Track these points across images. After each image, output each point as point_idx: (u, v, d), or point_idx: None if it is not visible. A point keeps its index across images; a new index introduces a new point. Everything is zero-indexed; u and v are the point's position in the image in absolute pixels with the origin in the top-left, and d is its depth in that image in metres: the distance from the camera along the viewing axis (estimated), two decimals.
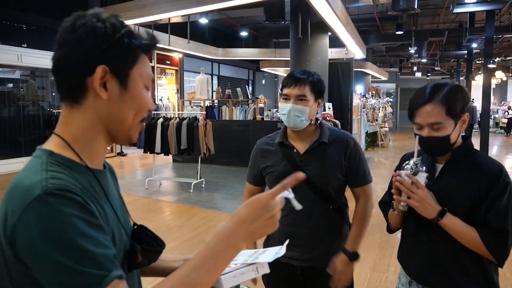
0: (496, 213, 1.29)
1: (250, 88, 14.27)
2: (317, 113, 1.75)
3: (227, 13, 11.22)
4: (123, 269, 0.70)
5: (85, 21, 0.76)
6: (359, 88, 14.71)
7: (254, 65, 17.77)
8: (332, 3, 5.56)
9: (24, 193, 0.67)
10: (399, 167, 1.58)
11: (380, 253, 4.03)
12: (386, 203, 1.58)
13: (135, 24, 6.72)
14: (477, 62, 17.77)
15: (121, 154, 10.82)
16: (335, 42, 8.93)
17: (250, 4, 7.40)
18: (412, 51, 13.65)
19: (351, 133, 8.00)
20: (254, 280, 0.91)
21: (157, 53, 12.31)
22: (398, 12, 8.42)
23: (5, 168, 7.96)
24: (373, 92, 15.96)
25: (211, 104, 10.40)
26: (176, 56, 13.16)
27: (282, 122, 1.73)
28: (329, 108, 7.45)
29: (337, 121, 6.93)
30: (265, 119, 9.31)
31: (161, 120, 6.84)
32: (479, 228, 1.31)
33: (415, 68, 18.71)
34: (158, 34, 8.44)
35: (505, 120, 18.89)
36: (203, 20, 10.31)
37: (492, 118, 18.60)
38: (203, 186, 7.02)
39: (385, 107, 15.79)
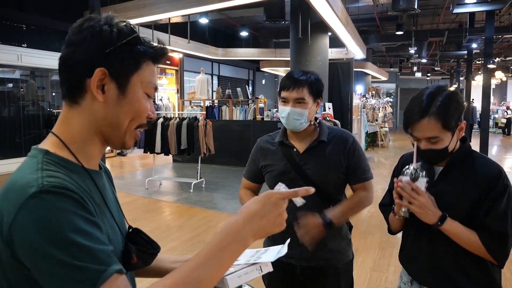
0: (495, 216, 1.30)
1: (250, 88, 14.27)
2: (316, 112, 1.75)
3: (227, 13, 11.22)
4: None
5: (93, 23, 0.77)
6: (359, 88, 14.71)
7: (254, 65, 17.77)
8: (332, 3, 5.56)
9: (20, 191, 0.67)
10: (398, 167, 1.59)
11: (380, 253, 4.02)
12: (386, 206, 1.59)
13: (135, 24, 6.72)
14: (477, 62, 17.76)
15: (121, 154, 10.82)
16: (335, 42, 8.93)
17: (250, 4, 7.40)
18: (412, 51, 13.65)
19: (351, 133, 7.99)
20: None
21: None
22: (398, 12, 8.41)
23: (5, 168, 7.95)
24: (373, 92, 15.97)
25: (211, 104, 10.40)
26: (176, 56, 13.15)
27: None
28: (329, 108, 7.45)
29: (337, 121, 6.93)
30: (265, 119, 9.32)
31: (161, 120, 6.84)
32: (478, 231, 1.32)
33: (415, 68, 18.70)
34: (158, 34, 8.45)
35: (504, 120, 18.91)
36: (203, 20, 10.31)
37: (492, 118, 18.62)
38: (203, 186, 7.02)
39: (385, 107, 15.81)
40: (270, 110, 9.78)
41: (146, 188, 6.94)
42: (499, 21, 12.65)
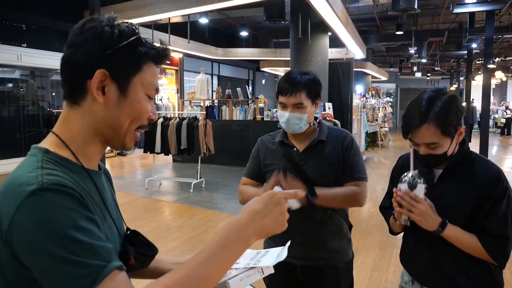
0: (495, 219, 1.30)
1: (250, 88, 14.27)
2: (316, 112, 1.75)
3: (227, 13, 11.22)
4: None
5: (95, 24, 0.77)
6: (359, 88, 14.72)
7: (254, 65, 17.77)
8: (332, 3, 5.56)
9: (20, 189, 0.67)
10: (397, 168, 1.60)
11: (380, 253, 4.02)
12: (386, 208, 1.59)
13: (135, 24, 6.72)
14: (477, 62, 17.76)
15: (121, 154, 10.82)
16: (335, 42, 8.93)
17: (250, 4, 7.39)
18: (412, 51, 13.65)
19: (351, 133, 7.99)
20: None
21: None
22: (398, 12, 8.41)
23: (5, 168, 7.95)
24: (373, 92, 15.97)
25: (211, 104, 10.40)
26: (176, 56, 13.15)
27: None
28: (329, 108, 7.45)
29: (337, 121, 6.92)
30: (265, 119, 9.31)
31: (161, 120, 6.84)
32: (478, 233, 1.32)
33: (415, 68, 18.70)
34: (158, 34, 8.44)
35: (504, 120, 18.92)
36: (203, 20, 10.31)
37: (491, 118, 18.61)
38: (203, 186, 7.02)
39: (385, 107, 15.81)
40: (270, 110, 9.78)
41: (146, 188, 6.94)
42: (499, 21, 12.65)
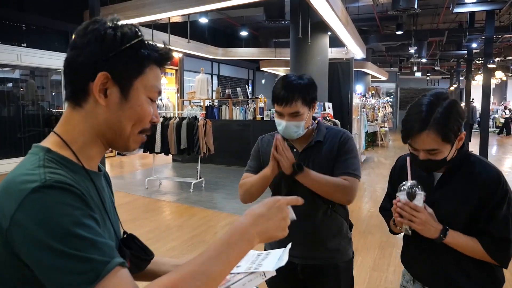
0: (496, 222, 1.31)
1: (250, 87, 14.27)
2: (316, 112, 1.75)
3: (227, 13, 11.22)
4: None
5: (98, 26, 0.77)
6: (359, 88, 14.72)
7: (254, 65, 17.77)
8: (332, 3, 5.56)
9: (22, 186, 0.67)
10: (395, 169, 1.61)
11: (380, 253, 4.02)
12: (386, 211, 1.59)
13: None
14: (477, 62, 17.75)
15: (120, 154, 10.82)
16: (335, 42, 8.94)
17: (250, 4, 7.40)
18: (412, 51, 13.66)
19: (351, 133, 8.00)
20: None
21: None
22: (398, 12, 8.41)
23: (4, 167, 7.95)
24: (373, 92, 15.97)
25: (211, 103, 10.40)
26: (176, 55, 13.15)
27: None
28: (329, 108, 7.45)
29: (337, 121, 6.92)
30: (265, 118, 9.31)
31: (161, 119, 6.84)
32: (480, 237, 1.33)
33: (415, 68, 18.71)
34: (158, 34, 8.44)
35: (503, 120, 18.92)
36: (203, 20, 10.30)
37: (491, 118, 18.61)
38: (203, 185, 7.02)
39: (385, 107, 15.81)
40: (270, 110, 9.77)
41: (146, 187, 6.94)
42: (499, 21, 12.65)
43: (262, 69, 15.20)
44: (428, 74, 23.21)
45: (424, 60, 16.39)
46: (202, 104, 10.13)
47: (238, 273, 0.86)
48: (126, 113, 0.80)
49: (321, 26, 7.23)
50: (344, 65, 8.65)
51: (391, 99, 19.99)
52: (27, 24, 8.45)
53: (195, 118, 6.75)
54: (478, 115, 16.79)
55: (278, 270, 0.87)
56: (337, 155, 1.69)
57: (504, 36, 13.42)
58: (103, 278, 0.63)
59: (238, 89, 10.18)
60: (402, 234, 1.61)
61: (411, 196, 1.34)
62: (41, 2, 8.53)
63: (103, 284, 0.63)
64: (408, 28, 12.72)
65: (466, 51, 14.28)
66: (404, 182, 1.38)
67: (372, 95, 14.93)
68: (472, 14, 10.59)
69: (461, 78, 19.88)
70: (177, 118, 6.85)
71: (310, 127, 1.73)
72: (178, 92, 13.76)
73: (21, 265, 0.67)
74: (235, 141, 8.87)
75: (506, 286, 3.28)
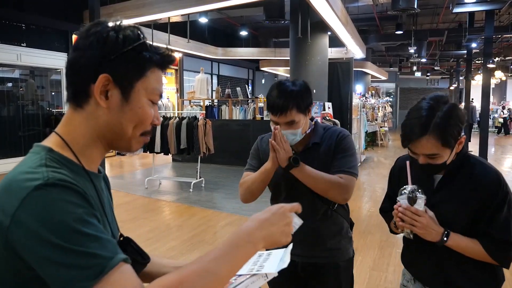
0: (497, 224, 1.31)
1: (250, 87, 14.27)
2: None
3: (226, 13, 11.22)
4: None
5: (100, 28, 0.78)
6: (358, 88, 14.73)
7: (254, 65, 17.77)
8: (332, 3, 5.56)
9: (24, 184, 0.67)
10: (395, 169, 1.61)
11: (379, 252, 4.02)
12: (386, 212, 1.59)
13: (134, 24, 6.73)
14: (477, 62, 17.76)
15: (120, 153, 10.83)
16: (335, 41, 8.93)
17: (250, 4, 7.40)
18: (411, 50, 13.66)
19: (351, 133, 8.00)
20: None
21: None
22: (398, 12, 8.41)
23: (4, 167, 7.95)
24: (373, 91, 15.99)
25: (210, 103, 10.41)
26: (176, 55, 13.16)
27: None
28: (329, 108, 7.45)
29: (336, 121, 6.93)
30: (265, 118, 9.30)
31: (160, 119, 6.83)
32: (481, 239, 1.34)
33: (414, 68, 18.71)
34: (158, 34, 8.44)
35: (501, 120, 18.92)
36: (203, 20, 10.30)
37: (491, 118, 18.61)
38: (203, 185, 7.02)
39: (385, 107, 15.82)
40: None
41: (145, 187, 6.94)
42: (499, 21, 12.65)
43: (262, 69, 15.20)
44: (428, 74, 23.22)
45: (423, 60, 16.40)
46: (202, 104, 10.13)
47: (240, 275, 0.86)
48: (127, 115, 0.80)
49: (321, 26, 7.24)
50: (344, 65, 8.65)
51: (390, 99, 20.02)
52: (27, 24, 8.45)
53: (195, 118, 6.75)
54: (477, 115, 16.80)
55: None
56: (334, 153, 1.69)
57: (504, 36, 13.43)
58: (107, 273, 0.64)
59: (238, 89, 10.18)
60: (402, 234, 1.62)
61: (412, 200, 1.34)
62: (41, 2, 8.53)
63: (107, 279, 0.63)
64: (408, 28, 12.72)
65: (465, 51, 14.29)
66: (404, 187, 1.38)
67: (371, 95, 14.95)
68: (471, 14, 10.59)
69: (460, 78, 19.89)
70: (177, 118, 6.85)
71: (307, 131, 1.73)
72: (178, 92, 13.76)
73: (21, 265, 0.66)
74: (235, 141, 8.87)
75: (506, 286, 3.29)
